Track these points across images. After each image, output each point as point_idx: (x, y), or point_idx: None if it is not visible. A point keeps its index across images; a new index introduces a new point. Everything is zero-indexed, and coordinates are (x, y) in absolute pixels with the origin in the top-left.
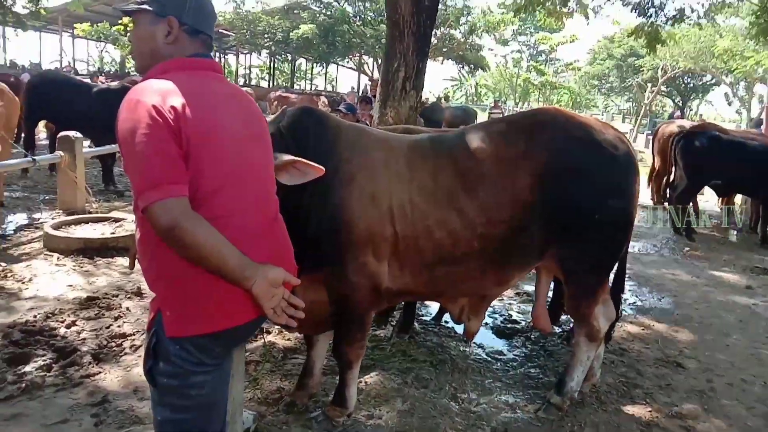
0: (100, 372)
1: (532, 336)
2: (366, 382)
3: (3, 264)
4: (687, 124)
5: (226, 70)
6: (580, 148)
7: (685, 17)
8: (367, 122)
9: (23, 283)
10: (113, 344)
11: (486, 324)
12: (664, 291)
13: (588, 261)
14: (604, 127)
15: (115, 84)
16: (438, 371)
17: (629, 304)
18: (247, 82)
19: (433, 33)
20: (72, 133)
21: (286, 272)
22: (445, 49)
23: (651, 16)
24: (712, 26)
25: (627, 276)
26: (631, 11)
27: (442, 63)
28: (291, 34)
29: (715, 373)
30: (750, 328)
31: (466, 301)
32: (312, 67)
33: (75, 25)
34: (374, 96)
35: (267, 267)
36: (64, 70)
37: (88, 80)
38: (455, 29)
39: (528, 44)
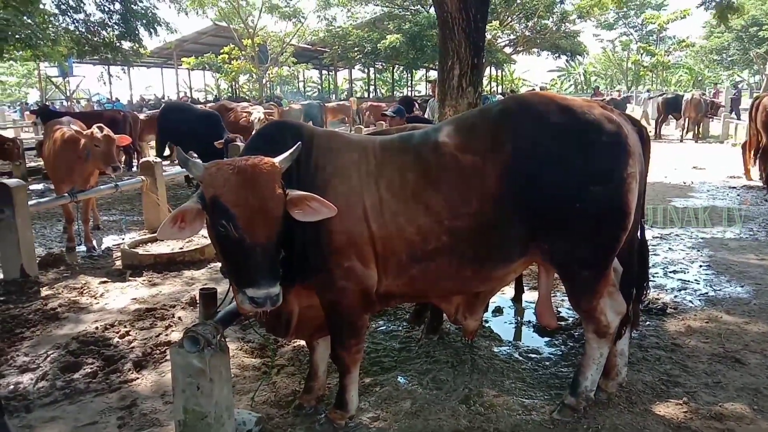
0: (137, 378)
1: (576, 333)
2: (381, 384)
3: (84, 281)
4: None
5: (329, 85)
6: (552, 134)
7: None
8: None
9: (95, 297)
10: (157, 351)
11: (529, 322)
12: (745, 279)
13: (578, 255)
14: (588, 107)
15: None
16: (456, 372)
17: (698, 295)
18: (349, 95)
19: (525, 25)
20: (152, 158)
21: None
22: (538, 41)
23: None
24: None
25: (704, 264)
26: None
27: (538, 55)
28: (379, 45)
29: None
30: None
31: (461, 300)
32: (412, 74)
33: (182, 59)
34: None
35: None
36: (182, 99)
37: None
38: (546, 19)
39: (635, 25)
